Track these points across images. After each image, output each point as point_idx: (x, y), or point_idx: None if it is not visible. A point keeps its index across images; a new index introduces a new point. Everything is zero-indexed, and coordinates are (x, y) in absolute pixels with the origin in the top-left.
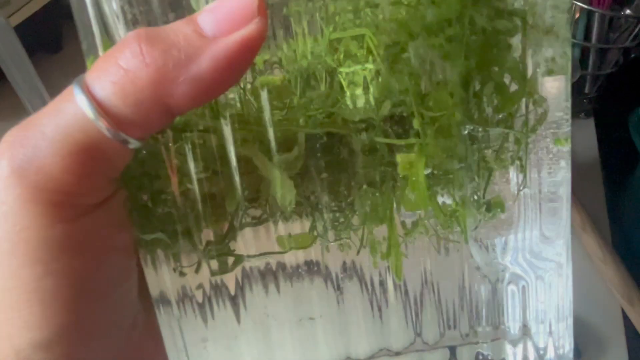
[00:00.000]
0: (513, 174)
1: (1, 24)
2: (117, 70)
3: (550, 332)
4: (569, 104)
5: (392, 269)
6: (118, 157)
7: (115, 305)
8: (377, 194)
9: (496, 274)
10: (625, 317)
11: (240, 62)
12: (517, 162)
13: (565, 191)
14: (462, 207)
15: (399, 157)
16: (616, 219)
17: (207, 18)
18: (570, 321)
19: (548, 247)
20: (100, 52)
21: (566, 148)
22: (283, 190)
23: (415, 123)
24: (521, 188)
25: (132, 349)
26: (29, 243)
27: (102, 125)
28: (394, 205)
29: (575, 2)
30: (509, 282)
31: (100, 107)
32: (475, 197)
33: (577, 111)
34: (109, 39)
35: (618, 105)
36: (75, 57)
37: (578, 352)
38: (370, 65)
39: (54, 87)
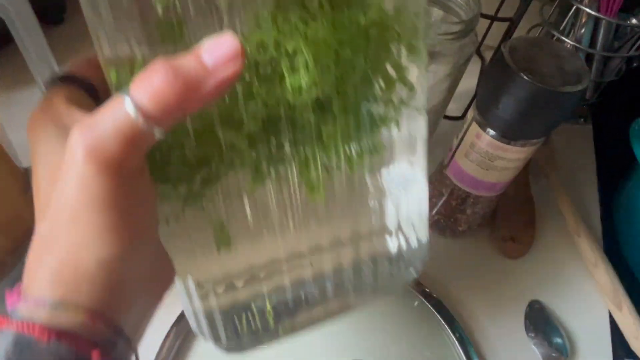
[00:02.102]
0: (393, 128)
1: None
2: (151, 88)
3: (414, 227)
4: (424, 86)
5: (316, 186)
6: (149, 141)
7: (151, 227)
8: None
9: (382, 191)
10: (612, 322)
11: (228, 84)
12: (395, 121)
13: (421, 135)
14: (359, 154)
15: (324, 129)
16: (609, 224)
17: (207, 56)
18: (426, 220)
19: (411, 170)
20: (102, 27)
21: (423, 114)
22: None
23: (334, 105)
24: (397, 135)
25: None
26: (98, 201)
27: (141, 121)
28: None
29: (584, 8)
30: (390, 195)
31: (140, 110)
32: (367, 145)
33: (576, 116)
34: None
35: (617, 113)
36: (77, 30)
37: (566, 352)
38: (303, 59)
39: (57, 59)
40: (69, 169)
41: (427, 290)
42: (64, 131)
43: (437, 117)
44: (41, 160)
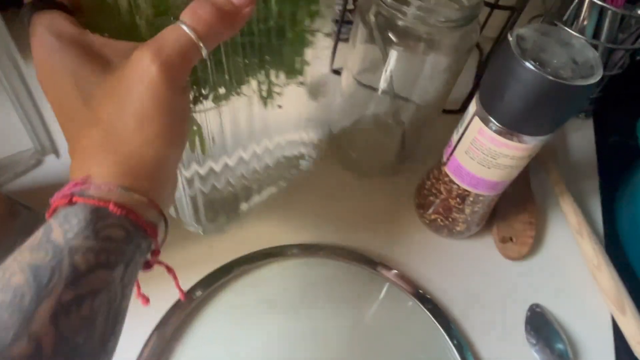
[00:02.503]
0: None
1: None
2: (200, 16)
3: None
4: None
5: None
6: (198, 58)
7: (187, 135)
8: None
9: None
10: (615, 327)
11: (247, 18)
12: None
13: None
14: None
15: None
16: (610, 222)
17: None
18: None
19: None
20: None
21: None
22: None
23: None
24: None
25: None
26: (166, 107)
27: (196, 39)
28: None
29: None
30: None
31: (195, 32)
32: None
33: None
34: None
35: (620, 108)
36: None
37: (568, 358)
38: None
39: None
40: (140, 82)
41: (422, 292)
42: (85, 49)
43: (437, 111)
44: (64, 80)
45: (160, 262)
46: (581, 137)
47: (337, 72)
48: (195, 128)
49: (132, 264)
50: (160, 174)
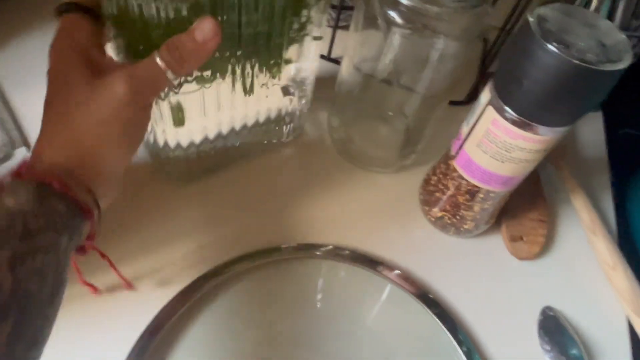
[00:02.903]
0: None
1: None
2: (172, 55)
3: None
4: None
5: (249, 89)
6: (165, 85)
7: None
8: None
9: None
10: (632, 330)
11: (212, 51)
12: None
13: (310, 66)
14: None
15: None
16: (623, 220)
17: (199, 35)
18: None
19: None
20: None
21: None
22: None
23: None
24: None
25: None
26: (125, 123)
27: (168, 72)
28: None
29: None
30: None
31: (168, 65)
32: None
33: None
34: None
35: (630, 99)
36: (24, 3)
37: None
38: None
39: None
40: (110, 97)
41: (427, 294)
42: (85, 60)
43: (443, 102)
44: (59, 81)
45: (94, 247)
46: (591, 130)
47: (335, 61)
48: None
49: (73, 239)
50: (105, 169)
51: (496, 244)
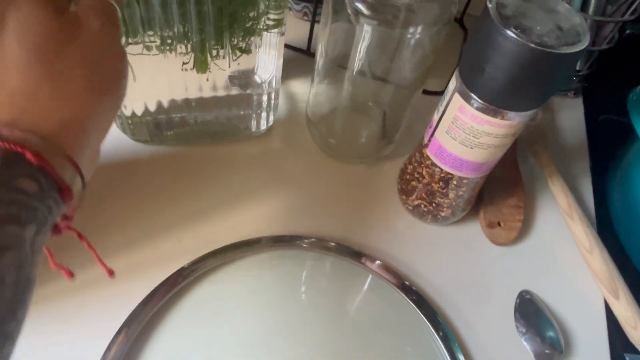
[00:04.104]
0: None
1: None
2: None
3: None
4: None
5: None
6: None
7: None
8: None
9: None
10: (608, 310)
11: None
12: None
13: (275, 54)
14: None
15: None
16: (602, 204)
17: None
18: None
19: (271, 61)
20: None
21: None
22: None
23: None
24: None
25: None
26: (38, 35)
27: None
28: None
29: None
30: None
31: None
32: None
33: (565, 89)
34: None
35: (610, 84)
36: None
37: (560, 348)
38: None
39: None
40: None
41: (406, 283)
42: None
43: (416, 92)
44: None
45: (70, 228)
46: (570, 116)
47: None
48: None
49: (43, 228)
50: (83, 127)
51: (474, 230)
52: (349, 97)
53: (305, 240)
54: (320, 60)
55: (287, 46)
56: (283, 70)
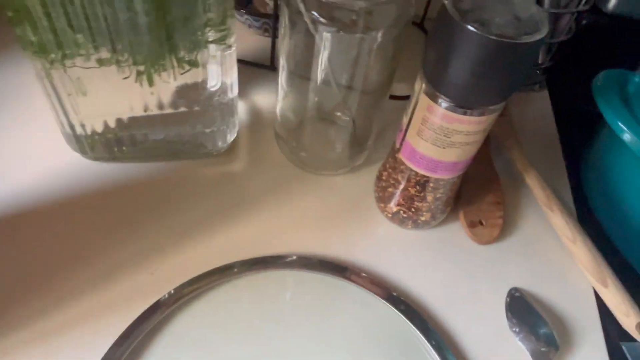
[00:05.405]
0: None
1: None
2: None
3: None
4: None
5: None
6: None
7: None
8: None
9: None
10: (599, 299)
11: None
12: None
13: (229, 60)
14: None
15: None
16: (579, 192)
17: None
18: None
19: (223, 77)
20: None
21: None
22: None
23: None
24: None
25: None
26: None
27: None
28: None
29: None
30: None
31: None
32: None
33: (530, 83)
34: None
35: (573, 75)
36: None
37: (555, 344)
38: None
39: None
40: None
41: (395, 294)
42: None
43: (383, 97)
44: None
45: None
46: (538, 109)
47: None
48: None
49: None
50: None
51: (456, 231)
52: (315, 108)
53: (287, 259)
54: (283, 73)
55: (250, 63)
56: (248, 87)
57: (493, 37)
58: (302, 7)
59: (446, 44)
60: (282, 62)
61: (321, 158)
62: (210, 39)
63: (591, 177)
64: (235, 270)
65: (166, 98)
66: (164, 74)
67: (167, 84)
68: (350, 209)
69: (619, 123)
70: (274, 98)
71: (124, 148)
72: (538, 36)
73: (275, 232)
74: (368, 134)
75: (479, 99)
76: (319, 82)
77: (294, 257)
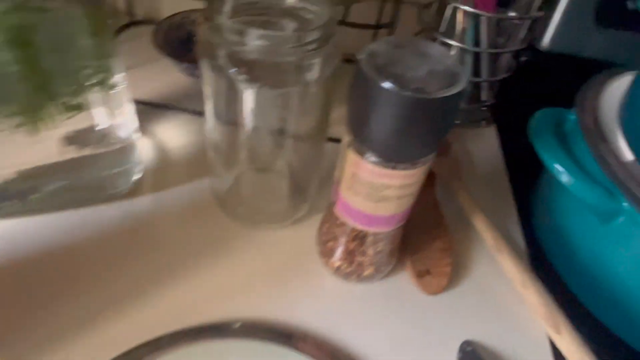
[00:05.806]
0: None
1: None
2: None
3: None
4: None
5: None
6: None
7: None
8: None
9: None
10: (554, 347)
11: None
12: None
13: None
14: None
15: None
16: (530, 233)
17: None
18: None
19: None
20: None
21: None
22: None
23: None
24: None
25: None
26: None
27: None
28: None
29: (461, 6)
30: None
31: None
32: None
33: (476, 120)
34: None
35: (517, 111)
36: None
37: None
38: None
39: None
40: None
41: (343, 356)
42: None
43: (319, 143)
44: None
45: None
46: (486, 145)
47: None
48: None
49: None
50: None
51: (404, 282)
52: (249, 158)
53: (223, 328)
54: (208, 122)
55: (177, 108)
56: (177, 134)
57: (408, 94)
58: (222, 64)
59: (364, 100)
60: (207, 109)
61: (260, 211)
62: (90, 82)
63: (540, 216)
64: (164, 343)
65: (54, 145)
66: (49, 122)
67: (54, 130)
68: (294, 265)
69: (555, 165)
70: (202, 144)
71: (16, 201)
72: (454, 90)
73: (209, 296)
74: (308, 182)
75: (404, 154)
76: (249, 130)
77: (237, 325)
